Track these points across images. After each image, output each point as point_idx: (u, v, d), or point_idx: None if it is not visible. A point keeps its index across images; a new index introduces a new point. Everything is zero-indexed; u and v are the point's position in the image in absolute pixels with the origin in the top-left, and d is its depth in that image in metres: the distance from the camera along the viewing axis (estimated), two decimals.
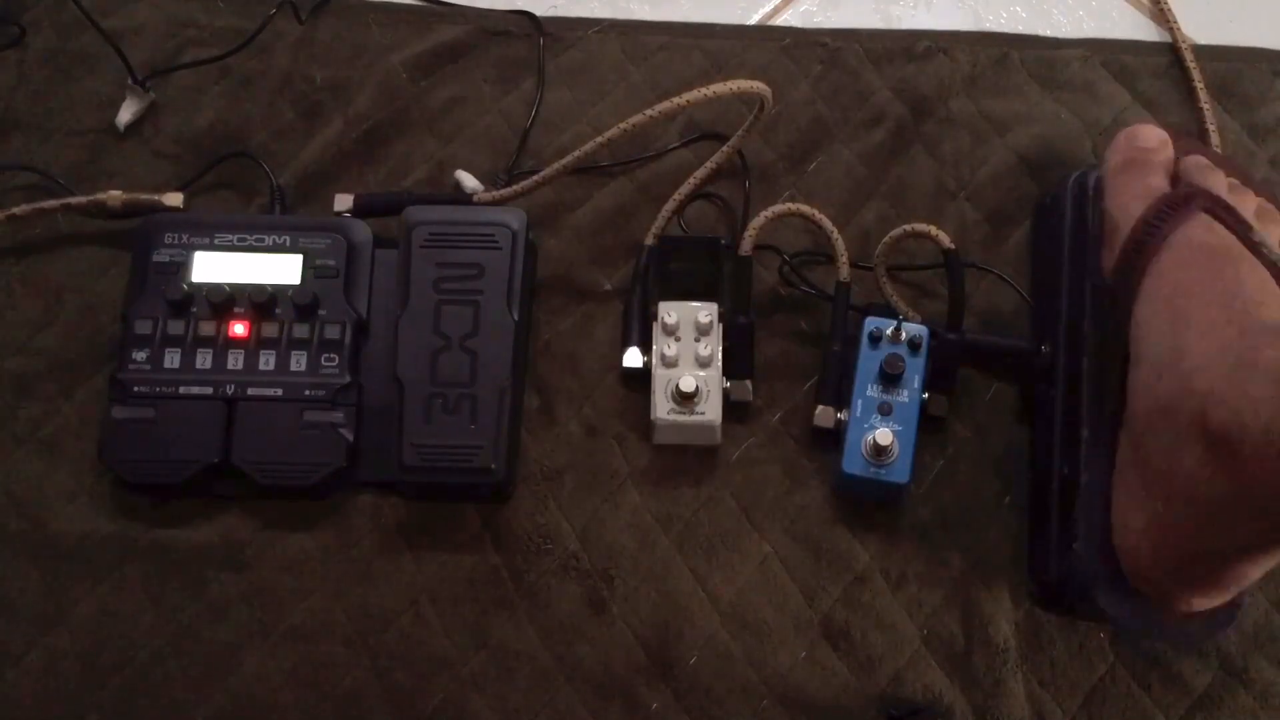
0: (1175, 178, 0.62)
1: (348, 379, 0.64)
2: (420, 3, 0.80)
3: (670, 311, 0.65)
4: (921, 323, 0.65)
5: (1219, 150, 0.72)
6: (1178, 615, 0.56)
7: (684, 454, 0.66)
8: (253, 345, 0.64)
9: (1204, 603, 0.55)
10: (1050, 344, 0.64)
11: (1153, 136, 0.62)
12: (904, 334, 0.63)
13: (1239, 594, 0.55)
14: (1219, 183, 0.60)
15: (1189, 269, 0.55)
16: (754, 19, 0.81)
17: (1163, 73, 0.77)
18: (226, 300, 0.65)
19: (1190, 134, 0.73)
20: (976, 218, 0.72)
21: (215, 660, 0.61)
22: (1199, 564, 0.53)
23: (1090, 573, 0.56)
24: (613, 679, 0.61)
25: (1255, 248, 0.56)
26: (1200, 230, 0.57)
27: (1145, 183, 0.61)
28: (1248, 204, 0.60)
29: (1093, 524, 0.56)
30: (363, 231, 0.68)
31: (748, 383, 0.66)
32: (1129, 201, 0.60)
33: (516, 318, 0.64)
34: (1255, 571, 0.53)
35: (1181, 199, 0.58)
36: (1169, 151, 0.62)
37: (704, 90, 0.64)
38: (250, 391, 0.63)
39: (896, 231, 0.66)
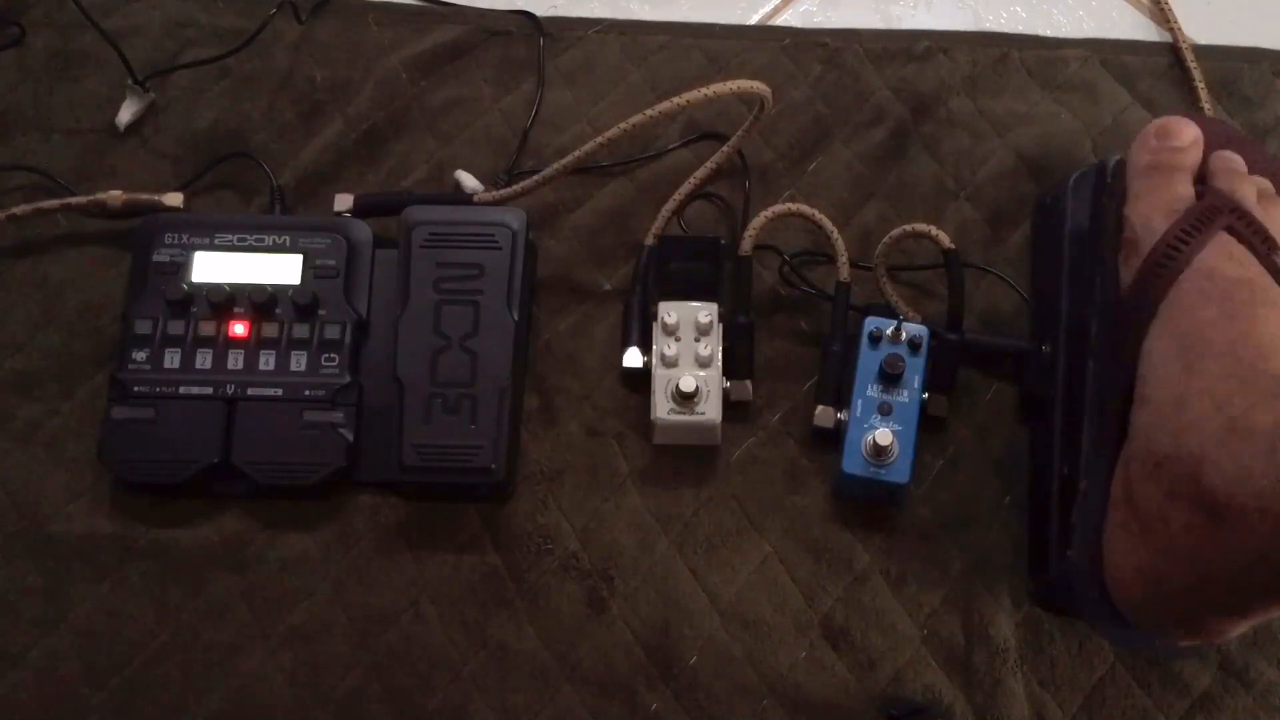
0: (1203, 174, 0.60)
1: (348, 379, 0.64)
2: (420, 3, 0.80)
3: (670, 311, 0.65)
4: (921, 323, 0.65)
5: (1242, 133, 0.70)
6: (1164, 642, 0.56)
7: (684, 454, 0.66)
8: (253, 345, 0.64)
9: (1187, 643, 0.55)
10: (1050, 344, 0.64)
11: (1184, 133, 0.60)
12: (904, 334, 0.63)
13: None
14: (1248, 192, 0.58)
15: (1204, 305, 0.54)
16: (754, 19, 0.81)
17: (1163, 73, 0.77)
18: (226, 300, 0.65)
19: (1222, 121, 0.71)
20: (976, 218, 0.72)
21: (215, 660, 0.61)
22: (1186, 614, 0.52)
23: (1081, 588, 0.56)
24: (613, 679, 0.61)
25: (1277, 272, 0.55)
26: (1221, 256, 0.55)
27: (1170, 192, 0.58)
28: (1276, 216, 0.58)
29: (1087, 535, 0.56)
30: (363, 231, 0.68)
31: (748, 383, 0.66)
32: (1152, 214, 0.58)
33: (516, 318, 0.64)
34: (1240, 628, 0.52)
35: (1205, 216, 0.56)
36: (1199, 150, 0.60)
37: (704, 90, 0.64)
38: (250, 391, 0.63)
39: (896, 231, 0.66)
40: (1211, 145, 0.61)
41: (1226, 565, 0.49)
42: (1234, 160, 0.60)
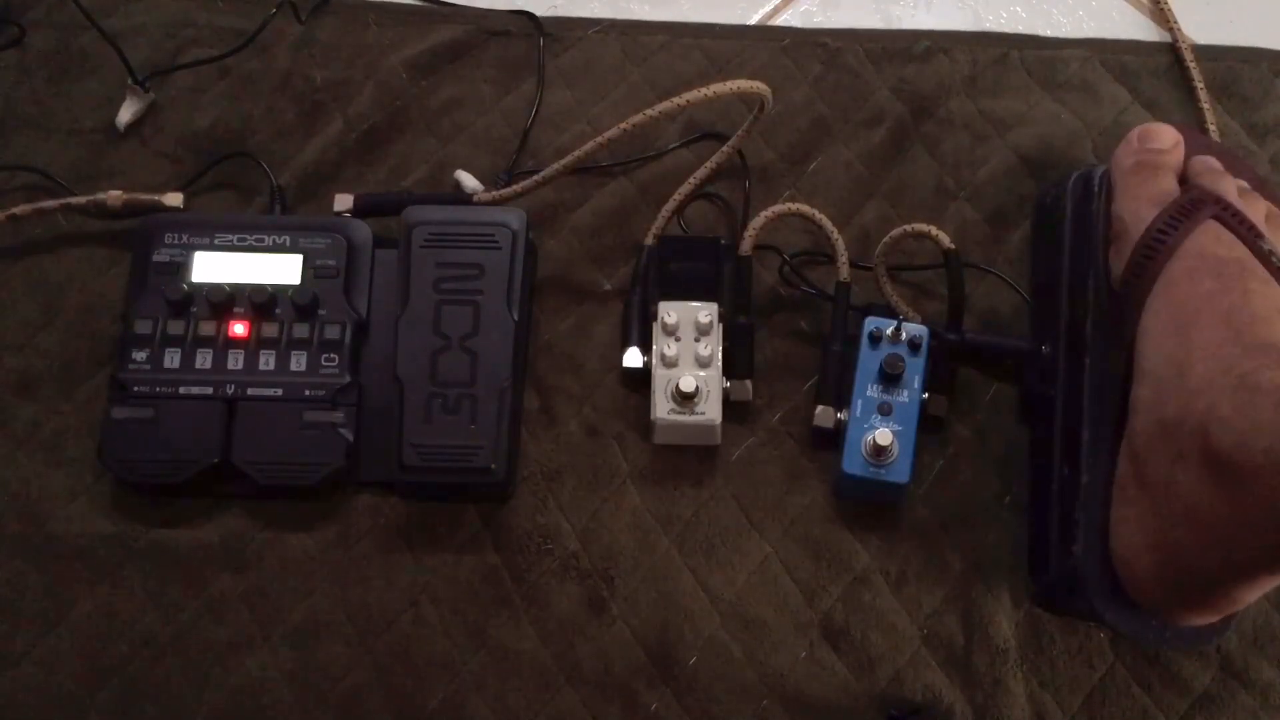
0: (1184, 178, 0.62)
1: (348, 379, 0.64)
2: (420, 3, 0.80)
3: (670, 311, 0.65)
4: (921, 323, 0.65)
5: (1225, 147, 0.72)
6: (1174, 626, 0.56)
7: (684, 454, 0.66)
8: (253, 345, 0.64)
9: (1200, 619, 0.55)
10: (1050, 344, 0.64)
11: (1166, 136, 0.62)
12: (904, 334, 0.63)
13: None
14: (1229, 187, 0.60)
15: (1197, 281, 0.55)
16: (754, 19, 0.81)
17: (1163, 73, 0.77)
18: (226, 300, 0.65)
19: (1201, 131, 0.73)
20: (976, 218, 0.72)
21: (215, 660, 0.61)
22: (1197, 584, 0.53)
23: (1088, 579, 0.56)
24: (613, 679, 0.61)
25: (1265, 257, 0.56)
26: (1210, 239, 0.56)
27: (1156, 186, 0.60)
28: (1258, 209, 0.60)
29: (1092, 527, 0.56)
30: (363, 231, 0.68)
31: (748, 383, 0.66)
32: (1140, 206, 0.59)
33: (516, 318, 0.64)
34: (1254, 593, 0.53)
35: (1192, 205, 0.58)
36: (1180, 152, 0.62)
37: (704, 90, 0.64)
38: (250, 391, 0.63)
39: (896, 231, 0.66)
40: (1190, 152, 0.62)
41: (1238, 523, 0.49)
42: (1213, 161, 0.62)
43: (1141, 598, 0.55)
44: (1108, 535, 0.56)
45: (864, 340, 0.63)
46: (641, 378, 0.66)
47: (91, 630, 0.62)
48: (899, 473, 0.61)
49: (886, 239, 0.66)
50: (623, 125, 0.65)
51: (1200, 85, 0.75)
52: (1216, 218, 0.57)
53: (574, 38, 0.78)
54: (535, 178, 0.69)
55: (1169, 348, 0.54)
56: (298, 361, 0.64)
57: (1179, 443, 0.51)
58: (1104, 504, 0.56)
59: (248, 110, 0.75)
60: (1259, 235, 0.57)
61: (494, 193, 0.70)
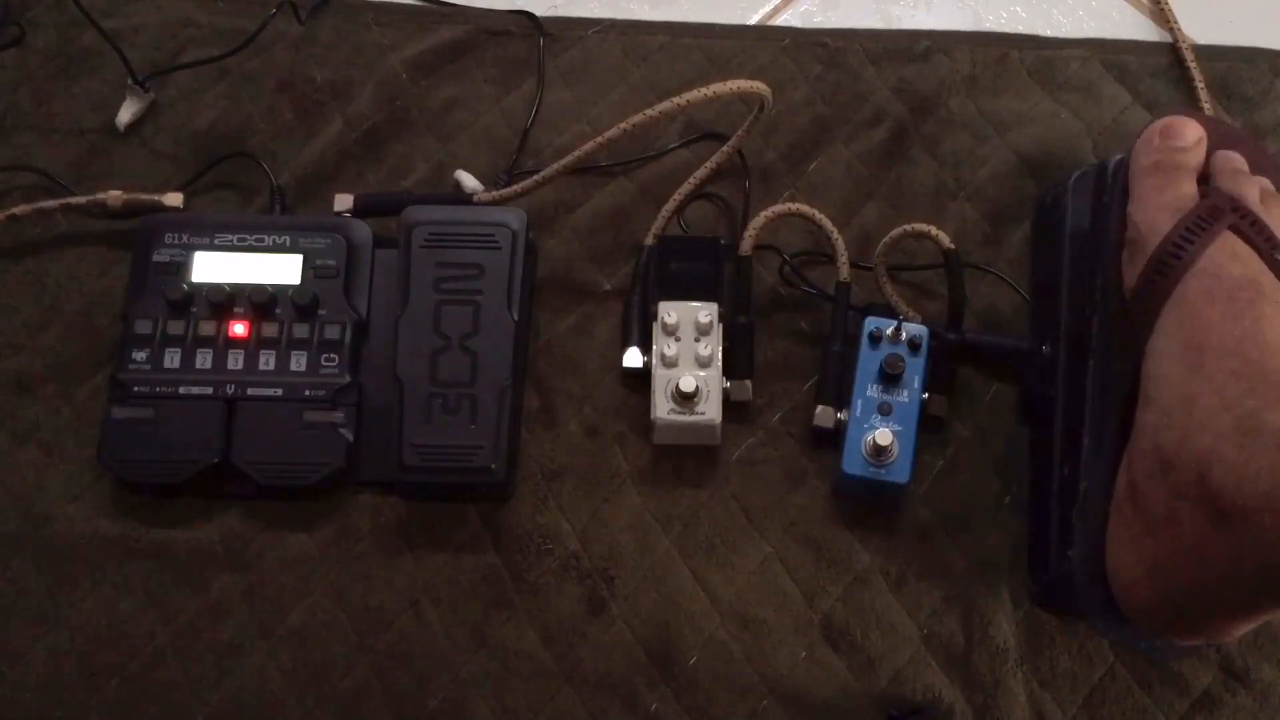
0: (1206, 174, 0.60)
1: (348, 379, 0.64)
2: (420, 3, 0.80)
3: (670, 311, 0.65)
4: (921, 323, 0.65)
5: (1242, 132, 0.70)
6: (1166, 641, 0.56)
7: (684, 454, 0.66)
8: (253, 345, 0.64)
9: (1192, 641, 0.55)
10: (1050, 344, 0.64)
11: (1188, 133, 0.60)
12: (904, 334, 0.63)
13: None
14: (1250, 191, 0.58)
15: (1210, 304, 0.53)
16: (754, 19, 0.81)
17: (1163, 73, 0.77)
18: (226, 300, 0.65)
19: (1223, 121, 0.71)
20: (976, 218, 0.72)
21: (215, 660, 0.61)
22: (1190, 614, 0.52)
23: (1081, 589, 0.56)
24: (613, 679, 0.61)
25: None
26: (1226, 256, 0.55)
27: (1174, 191, 0.58)
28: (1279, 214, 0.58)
29: (1089, 534, 0.56)
30: (363, 231, 0.68)
31: (748, 383, 0.66)
32: (1157, 214, 0.57)
33: (516, 318, 0.64)
34: (1247, 627, 0.52)
35: (1210, 215, 0.56)
36: (1203, 149, 0.60)
37: (704, 90, 0.64)
38: (250, 391, 0.63)
39: (896, 231, 0.66)
40: (1214, 144, 0.61)
41: (1233, 566, 0.49)
42: (1236, 160, 0.60)
43: (1133, 614, 0.54)
44: (1102, 544, 0.55)
45: (864, 340, 0.63)
46: (641, 378, 0.66)
47: (91, 630, 0.62)
48: (899, 473, 0.61)
49: (886, 239, 0.66)
50: (623, 125, 0.65)
51: (1200, 85, 0.75)
52: (1234, 228, 0.56)
53: (574, 38, 0.78)
54: (535, 178, 0.69)
55: (1176, 377, 0.53)
56: (298, 361, 0.64)
57: (1178, 480, 0.51)
58: (1101, 512, 0.55)
59: (248, 110, 0.75)
60: (1277, 247, 0.55)
61: (494, 193, 0.70)
